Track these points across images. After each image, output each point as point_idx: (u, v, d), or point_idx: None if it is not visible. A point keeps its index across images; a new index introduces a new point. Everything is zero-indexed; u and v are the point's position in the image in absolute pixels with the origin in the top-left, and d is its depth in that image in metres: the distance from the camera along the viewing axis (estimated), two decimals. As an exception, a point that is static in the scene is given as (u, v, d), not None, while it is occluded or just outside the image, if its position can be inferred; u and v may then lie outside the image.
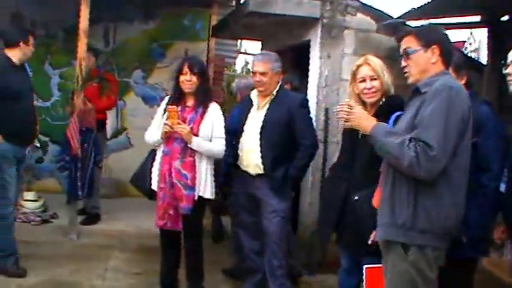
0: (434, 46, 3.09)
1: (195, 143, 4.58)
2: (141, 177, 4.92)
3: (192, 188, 4.60)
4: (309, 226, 5.83)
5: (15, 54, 5.32)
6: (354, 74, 3.92)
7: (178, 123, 4.55)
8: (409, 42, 3.18)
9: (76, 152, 6.43)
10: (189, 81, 4.66)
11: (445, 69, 3.13)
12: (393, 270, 3.11)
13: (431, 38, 3.14)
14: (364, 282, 3.57)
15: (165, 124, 4.59)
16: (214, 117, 4.74)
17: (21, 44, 5.33)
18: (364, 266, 3.57)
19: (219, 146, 4.72)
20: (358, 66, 3.92)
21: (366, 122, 3.16)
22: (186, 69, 4.67)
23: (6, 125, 5.15)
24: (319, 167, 5.81)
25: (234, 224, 5.68)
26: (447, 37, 3.22)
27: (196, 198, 4.61)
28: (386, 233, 3.13)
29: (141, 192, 4.99)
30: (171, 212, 4.63)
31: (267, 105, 4.89)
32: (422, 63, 3.12)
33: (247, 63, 15.25)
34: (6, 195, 5.23)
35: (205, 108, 4.72)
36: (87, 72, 6.70)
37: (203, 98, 4.73)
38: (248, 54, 13.02)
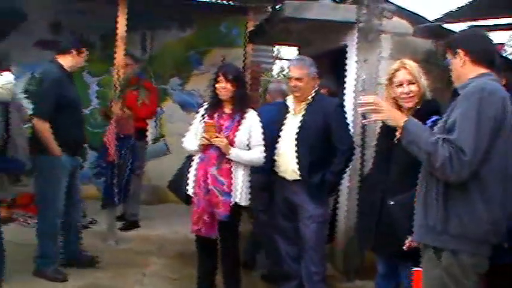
0: (459, 50, 3.08)
1: (234, 154, 4.57)
2: (178, 183, 4.94)
3: (229, 194, 4.57)
4: (347, 231, 5.78)
5: (66, 62, 5.37)
6: (391, 78, 3.88)
7: (216, 136, 4.55)
8: (447, 56, 3.19)
9: (113, 158, 6.48)
10: (224, 88, 4.65)
11: (485, 71, 3.06)
12: (427, 275, 3.10)
13: (455, 43, 3.16)
14: (412, 285, 3.51)
15: (202, 137, 4.61)
16: (251, 125, 4.70)
17: (73, 52, 5.38)
18: (413, 269, 3.51)
19: (257, 154, 4.68)
20: (395, 71, 3.87)
21: (397, 114, 3.14)
22: (220, 76, 4.67)
23: (64, 135, 5.20)
24: (356, 172, 5.76)
25: (256, 227, 5.73)
26: (477, 37, 3.19)
27: (232, 204, 4.59)
28: (419, 234, 3.13)
29: (178, 198, 5.01)
30: (205, 218, 4.61)
31: (303, 111, 4.87)
32: (454, 69, 3.15)
33: (283, 68, 15.23)
34: (57, 206, 5.31)
35: (242, 115, 4.69)
36: (125, 80, 6.75)
37: (240, 105, 4.71)
38: (285, 59, 13.03)
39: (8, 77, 4.63)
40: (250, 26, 8.71)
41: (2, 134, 4.47)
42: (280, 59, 13.04)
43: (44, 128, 5.08)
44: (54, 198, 5.27)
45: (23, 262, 5.44)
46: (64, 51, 5.36)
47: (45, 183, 5.31)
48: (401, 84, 3.80)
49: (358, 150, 5.56)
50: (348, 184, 5.77)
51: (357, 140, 5.64)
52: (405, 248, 3.44)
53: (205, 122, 4.62)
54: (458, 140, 2.80)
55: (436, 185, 2.97)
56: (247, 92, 4.98)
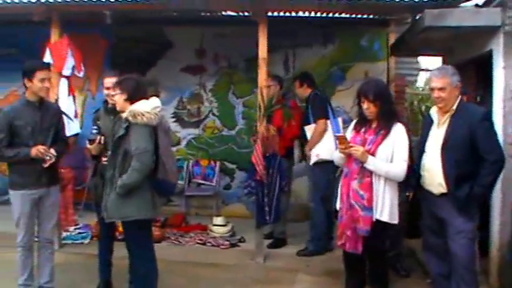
0: None
1: (371, 162, 4.48)
2: (329, 197, 4.95)
3: (369, 209, 4.49)
4: (501, 246, 5.48)
5: None
6: None
7: (351, 146, 4.51)
8: None
9: (261, 177, 6.60)
10: (367, 109, 4.60)
11: None
12: None
13: None
14: None
15: (339, 148, 4.60)
16: (396, 139, 4.59)
17: None
18: None
19: (398, 168, 4.54)
20: None
21: None
22: (362, 98, 4.62)
23: None
24: (510, 184, 5.44)
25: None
26: None
27: (374, 220, 4.48)
28: None
29: (330, 212, 5.03)
30: (348, 233, 4.56)
31: (447, 121, 4.71)
32: None
33: (429, 80, 14.81)
34: None
35: (388, 130, 4.60)
36: (270, 100, 6.85)
37: (384, 121, 4.62)
38: (429, 70, 12.66)
39: (155, 102, 4.84)
40: (392, 39, 8.56)
41: (152, 157, 4.67)
42: (425, 70, 12.68)
43: None
44: None
45: (172, 278, 5.75)
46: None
47: None
48: None
49: (511, 161, 5.26)
50: (500, 196, 5.47)
51: (510, 149, 5.34)
52: None
53: (336, 136, 4.62)
54: None
55: None
56: (393, 107, 4.85)
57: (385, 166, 4.50)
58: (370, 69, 9.07)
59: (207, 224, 8.17)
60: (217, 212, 8.91)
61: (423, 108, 12.53)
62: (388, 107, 4.63)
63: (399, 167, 4.51)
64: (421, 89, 14.45)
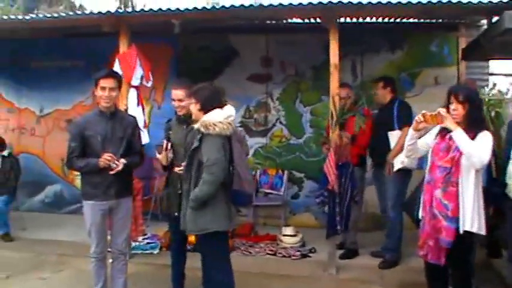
0: None
1: (458, 133, 4.27)
2: (411, 205, 4.81)
3: (453, 219, 4.29)
4: None
5: None
6: None
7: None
8: None
9: (333, 187, 6.48)
10: (455, 110, 4.41)
11: None
12: None
13: None
14: None
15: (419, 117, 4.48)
16: (480, 142, 4.30)
17: None
18: None
19: (482, 153, 4.23)
20: None
21: None
22: (451, 98, 4.44)
23: None
24: None
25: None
26: None
27: (461, 232, 4.27)
28: None
29: (411, 220, 4.93)
30: (430, 243, 4.41)
31: (534, 127, 4.50)
32: None
33: (495, 84, 14.39)
34: None
35: (473, 136, 4.33)
36: (342, 107, 6.72)
37: (471, 127, 4.38)
38: (499, 75, 12.28)
39: (229, 111, 4.79)
40: (462, 43, 8.34)
41: (225, 168, 4.61)
42: (494, 74, 12.31)
43: None
44: None
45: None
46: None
47: None
48: None
49: None
50: None
51: None
52: None
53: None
54: None
55: None
56: (482, 114, 4.63)
57: (471, 143, 4.24)
58: (439, 74, 8.86)
59: (276, 233, 8.10)
60: (285, 221, 8.81)
61: (493, 113, 12.17)
62: (476, 113, 4.41)
63: (485, 154, 4.24)
64: (490, 93, 14.06)
